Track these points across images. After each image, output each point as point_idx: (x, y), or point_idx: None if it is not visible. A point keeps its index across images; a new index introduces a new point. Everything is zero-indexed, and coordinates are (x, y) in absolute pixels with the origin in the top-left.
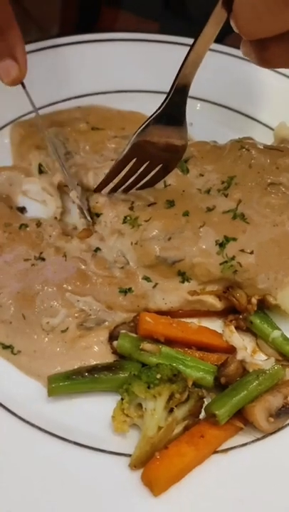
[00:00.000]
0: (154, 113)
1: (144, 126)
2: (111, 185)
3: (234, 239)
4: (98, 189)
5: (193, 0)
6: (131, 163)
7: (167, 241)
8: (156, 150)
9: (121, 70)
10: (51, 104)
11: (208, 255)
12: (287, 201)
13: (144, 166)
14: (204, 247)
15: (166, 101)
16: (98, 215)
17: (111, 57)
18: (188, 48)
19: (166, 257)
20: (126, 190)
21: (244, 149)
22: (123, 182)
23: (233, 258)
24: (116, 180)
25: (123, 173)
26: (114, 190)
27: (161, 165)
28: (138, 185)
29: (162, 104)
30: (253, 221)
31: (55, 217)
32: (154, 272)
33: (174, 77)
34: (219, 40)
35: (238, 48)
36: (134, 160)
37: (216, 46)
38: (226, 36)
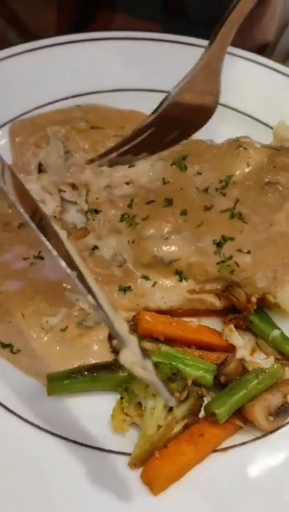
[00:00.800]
0: (195, 65)
1: (184, 79)
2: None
3: (231, 238)
4: (106, 153)
5: (191, 1)
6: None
7: (164, 240)
8: (184, 112)
9: (121, 69)
10: (51, 102)
11: (205, 255)
12: (284, 200)
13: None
14: (202, 246)
15: (209, 50)
16: (97, 212)
17: (110, 56)
18: (188, 47)
19: (163, 257)
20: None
21: (241, 148)
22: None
23: (230, 258)
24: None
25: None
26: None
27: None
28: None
29: (202, 54)
30: (250, 220)
31: (54, 216)
32: (152, 271)
33: (173, 77)
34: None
35: (237, 46)
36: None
37: None
38: None
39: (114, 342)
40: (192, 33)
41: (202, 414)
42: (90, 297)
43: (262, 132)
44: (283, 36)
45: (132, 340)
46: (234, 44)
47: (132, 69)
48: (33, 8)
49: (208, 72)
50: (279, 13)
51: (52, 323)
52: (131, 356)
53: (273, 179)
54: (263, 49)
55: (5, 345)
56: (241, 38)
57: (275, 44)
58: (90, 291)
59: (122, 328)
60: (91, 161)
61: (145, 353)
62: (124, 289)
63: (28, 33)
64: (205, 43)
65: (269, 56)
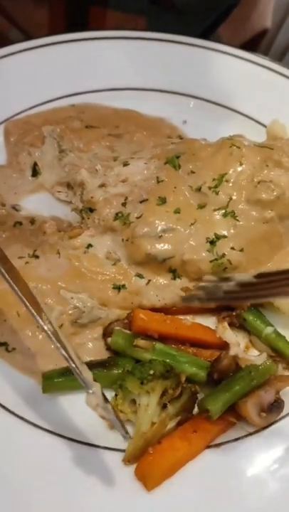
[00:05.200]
0: None
1: None
2: None
3: (224, 236)
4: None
5: None
6: None
7: (158, 238)
8: None
9: (115, 68)
10: (45, 102)
11: (198, 253)
12: (276, 198)
13: None
14: (195, 244)
15: None
16: (91, 210)
17: (105, 55)
18: (181, 46)
19: (157, 254)
20: None
21: (234, 147)
22: None
23: (223, 255)
24: None
25: None
26: None
27: None
28: None
29: None
30: (243, 219)
31: (50, 215)
32: (146, 269)
33: (168, 76)
34: (213, 28)
35: (232, 45)
36: None
37: (208, 44)
38: (219, 25)
39: (109, 340)
40: (181, 24)
41: (196, 410)
42: (62, 350)
43: (255, 131)
44: (279, 35)
45: (96, 386)
46: (233, 31)
47: (127, 68)
48: (25, 8)
49: None
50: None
51: None
52: (95, 400)
53: (266, 178)
54: (262, 35)
55: (0, 344)
56: (240, 25)
57: (271, 42)
58: (62, 345)
59: (88, 376)
60: None
61: (105, 397)
62: (119, 287)
63: (22, 33)
64: (200, 42)
65: (265, 54)
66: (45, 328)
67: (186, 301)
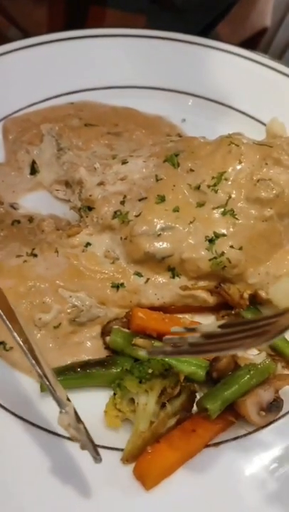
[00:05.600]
0: None
1: None
2: None
3: (224, 235)
4: None
5: None
6: None
7: (157, 237)
8: None
9: (114, 67)
10: (44, 100)
11: (197, 251)
12: (276, 197)
13: None
14: (194, 243)
15: None
16: (90, 209)
17: (104, 53)
18: (179, 44)
19: (155, 253)
20: None
21: (233, 145)
22: None
23: (222, 254)
24: None
25: None
26: None
27: None
28: None
29: None
30: (242, 217)
31: (48, 213)
32: (144, 268)
33: (167, 74)
34: (212, 26)
35: (231, 43)
36: None
37: (208, 42)
38: (218, 23)
39: (107, 339)
40: (181, 22)
41: (194, 409)
42: (37, 368)
43: (255, 129)
44: (278, 33)
45: (70, 406)
46: (233, 29)
47: (126, 66)
48: (25, 7)
49: None
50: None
51: (45, 320)
52: (67, 419)
53: (265, 176)
54: (262, 34)
55: None
56: (239, 23)
57: (270, 41)
58: (37, 362)
59: (62, 394)
60: None
61: (78, 417)
62: (117, 286)
63: (21, 31)
64: (199, 40)
65: (264, 53)
66: (21, 343)
67: (152, 354)
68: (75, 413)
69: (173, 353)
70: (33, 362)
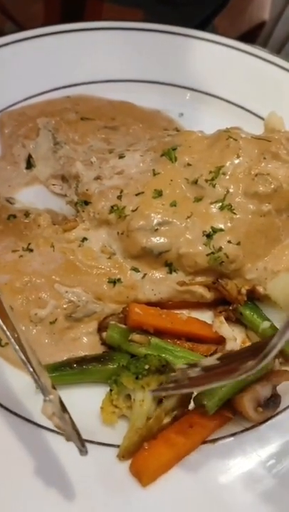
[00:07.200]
0: None
1: None
2: None
3: (221, 230)
4: None
5: None
6: None
7: (154, 232)
8: None
9: (111, 60)
10: (40, 93)
11: (194, 246)
12: (274, 191)
13: None
14: (191, 237)
15: None
16: (87, 203)
17: (101, 46)
18: (177, 37)
19: (153, 248)
20: None
21: (231, 139)
22: None
23: (220, 249)
24: None
25: None
26: None
27: None
28: None
29: None
30: (240, 212)
31: (44, 208)
32: (141, 263)
33: (163, 67)
34: (210, 19)
35: (228, 36)
36: None
37: (205, 35)
38: (216, 16)
39: (104, 334)
40: (178, 16)
41: (192, 405)
42: (21, 354)
43: (253, 123)
44: (277, 27)
45: (55, 394)
46: (230, 23)
47: (124, 59)
48: (21, 1)
49: None
50: None
51: (41, 316)
52: (51, 408)
53: (263, 170)
54: (260, 27)
55: None
56: (236, 17)
57: (269, 34)
58: (22, 348)
59: (46, 382)
60: None
61: (64, 406)
62: (114, 281)
63: (17, 26)
64: (197, 33)
65: (263, 46)
66: (4, 328)
67: (155, 392)
68: (61, 402)
69: (174, 388)
70: (17, 347)
